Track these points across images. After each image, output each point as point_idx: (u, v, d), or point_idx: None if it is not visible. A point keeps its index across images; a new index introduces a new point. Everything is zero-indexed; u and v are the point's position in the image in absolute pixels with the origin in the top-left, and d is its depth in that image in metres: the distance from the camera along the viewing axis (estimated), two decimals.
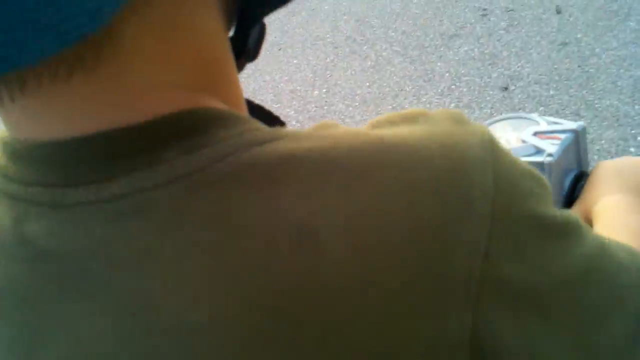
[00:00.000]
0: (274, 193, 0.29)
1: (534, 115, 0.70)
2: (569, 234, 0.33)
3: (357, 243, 0.28)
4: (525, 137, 0.66)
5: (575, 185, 0.66)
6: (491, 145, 0.32)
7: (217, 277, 0.28)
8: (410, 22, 3.58)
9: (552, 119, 0.69)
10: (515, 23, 3.24)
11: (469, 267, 0.29)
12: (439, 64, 3.14)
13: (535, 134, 0.66)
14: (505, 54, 3.05)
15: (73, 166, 0.30)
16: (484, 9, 3.44)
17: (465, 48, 3.19)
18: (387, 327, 0.28)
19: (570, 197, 0.66)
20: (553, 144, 0.64)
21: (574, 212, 0.46)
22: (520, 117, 0.70)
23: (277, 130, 0.32)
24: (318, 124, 0.33)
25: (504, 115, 0.72)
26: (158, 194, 0.29)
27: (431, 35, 3.39)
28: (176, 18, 0.31)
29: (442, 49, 3.25)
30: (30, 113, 0.31)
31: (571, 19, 3.11)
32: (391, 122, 0.34)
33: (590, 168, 0.67)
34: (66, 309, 0.30)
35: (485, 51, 3.10)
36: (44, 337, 0.30)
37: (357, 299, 0.28)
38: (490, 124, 0.72)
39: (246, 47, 0.37)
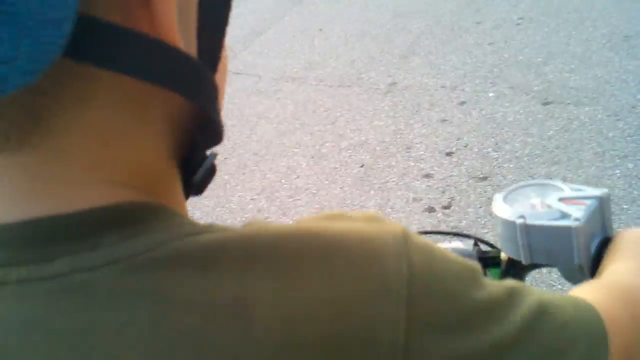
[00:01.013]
0: (206, 274, 0.32)
1: (558, 182, 0.73)
2: (498, 309, 0.36)
3: (285, 316, 0.31)
4: (551, 202, 0.69)
5: (601, 250, 0.67)
6: (404, 238, 0.35)
7: (157, 350, 0.30)
8: None
9: (575, 186, 0.71)
10: None
11: (393, 340, 0.32)
12: None
13: (561, 199, 0.69)
14: None
15: (13, 248, 0.33)
16: None
17: None
18: None
19: (597, 262, 0.67)
20: (579, 209, 0.66)
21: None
22: (544, 184, 0.73)
23: (209, 225, 0.35)
24: (247, 222, 0.37)
25: (527, 182, 0.75)
26: (98, 274, 0.31)
27: None
28: (116, 126, 0.34)
29: None
30: None
31: None
32: (315, 219, 0.38)
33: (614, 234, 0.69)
34: None
35: None
36: None
37: None
38: (514, 189, 0.75)
39: (192, 181, 0.41)
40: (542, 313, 0.37)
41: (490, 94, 3.71)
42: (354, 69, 4.47)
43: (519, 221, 0.68)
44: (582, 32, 4.17)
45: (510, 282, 0.38)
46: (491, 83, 3.82)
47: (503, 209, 0.71)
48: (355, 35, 5.11)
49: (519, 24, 4.56)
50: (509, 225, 0.70)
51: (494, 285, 0.37)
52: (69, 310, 0.31)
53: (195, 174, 0.40)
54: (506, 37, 4.39)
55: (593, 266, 0.67)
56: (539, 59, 3.94)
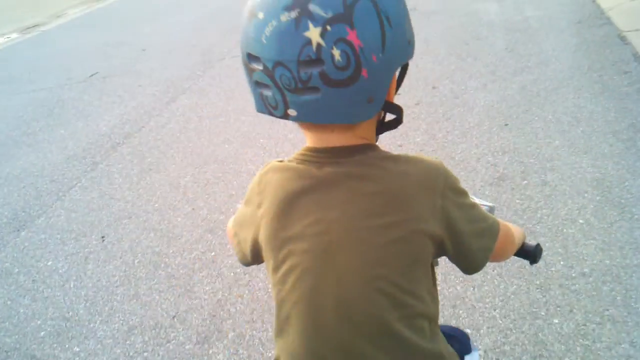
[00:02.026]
0: (395, 163, 0.95)
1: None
2: (468, 198, 1.00)
3: (413, 180, 0.93)
4: None
5: None
6: (444, 166, 0.98)
7: (378, 181, 0.93)
8: None
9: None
10: None
11: (440, 202, 0.94)
12: None
13: None
14: None
15: (336, 155, 0.96)
16: None
17: None
18: (421, 213, 0.93)
19: None
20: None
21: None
22: None
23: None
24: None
25: None
26: (366, 160, 0.95)
27: None
28: (370, 125, 1.00)
29: None
30: (321, 137, 0.97)
31: None
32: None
33: None
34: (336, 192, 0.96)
35: None
36: (331, 202, 0.95)
37: (415, 199, 0.92)
38: None
39: (377, 136, 1.06)
40: (476, 204, 1.01)
41: None
42: None
43: None
44: None
45: None
46: None
47: None
48: None
49: None
50: None
51: None
52: (354, 172, 0.94)
53: (378, 133, 1.05)
54: None
55: None
56: None
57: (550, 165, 3.18)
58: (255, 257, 1.05)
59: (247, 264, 1.10)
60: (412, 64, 0.97)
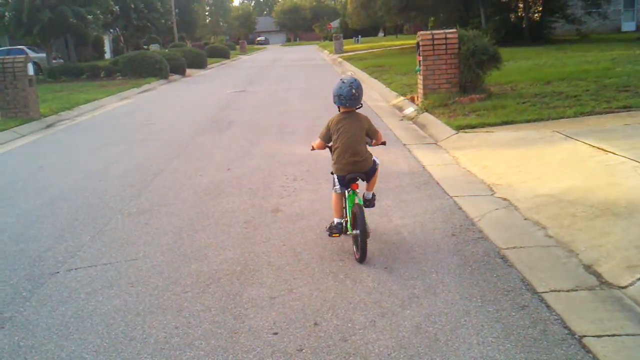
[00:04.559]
0: (359, 115, 5.16)
1: None
2: (372, 123, 5.23)
3: (363, 118, 5.16)
4: None
5: None
6: (368, 118, 5.24)
7: (356, 118, 5.10)
8: None
9: None
10: None
11: (367, 122, 5.15)
12: None
13: None
14: None
15: (348, 114, 5.20)
16: None
17: None
18: (364, 124, 5.14)
19: None
20: None
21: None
22: None
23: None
24: None
25: None
26: (354, 114, 5.26)
27: None
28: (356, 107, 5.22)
29: None
30: (346, 110, 5.15)
31: None
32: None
33: None
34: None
35: None
36: (345, 122, 5.15)
37: (363, 122, 5.12)
38: None
39: None
40: (373, 125, 5.26)
41: None
42: None
43: None
44: None
45: None
46: None
47: None
48: None
49: None
50: None
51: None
52: (352, 116, 5.12)
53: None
54: None
55: None
56: None
57: None
58: (327, 138, 5.15)
59: (324, 139, 5.16)
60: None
